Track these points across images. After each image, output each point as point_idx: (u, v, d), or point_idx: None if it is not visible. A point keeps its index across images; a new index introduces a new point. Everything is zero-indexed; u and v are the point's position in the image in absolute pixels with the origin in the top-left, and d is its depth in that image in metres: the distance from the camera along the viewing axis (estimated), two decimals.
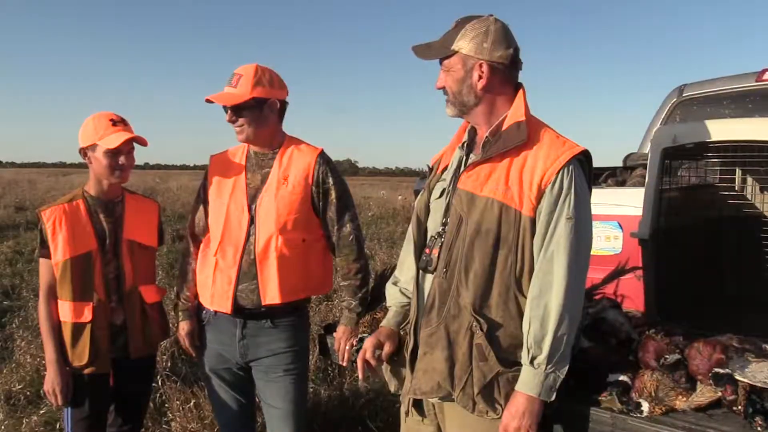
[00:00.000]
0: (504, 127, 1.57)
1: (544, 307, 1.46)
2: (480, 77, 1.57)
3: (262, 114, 2.06)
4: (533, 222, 1.49)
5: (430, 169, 1.80)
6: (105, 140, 2.09)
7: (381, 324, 1.84)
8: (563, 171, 1.49)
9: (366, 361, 1.72)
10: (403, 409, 1.75)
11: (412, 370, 1.65)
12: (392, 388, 1.79)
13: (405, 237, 1.86)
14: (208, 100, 2.04)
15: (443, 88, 1.62)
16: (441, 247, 1.59)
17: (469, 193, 1.55)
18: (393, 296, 1.84)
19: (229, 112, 2.05)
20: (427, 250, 1.63)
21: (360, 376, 1.75)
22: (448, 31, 1.60)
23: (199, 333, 2.21)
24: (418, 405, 1.70)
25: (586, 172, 1.58)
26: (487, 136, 1.59)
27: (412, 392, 1.62)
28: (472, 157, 1.64)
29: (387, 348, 1.74)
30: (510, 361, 1.50)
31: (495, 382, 1.50)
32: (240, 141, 2.12)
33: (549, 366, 1.46)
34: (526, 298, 1.51)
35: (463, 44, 1.56)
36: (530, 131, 1.53)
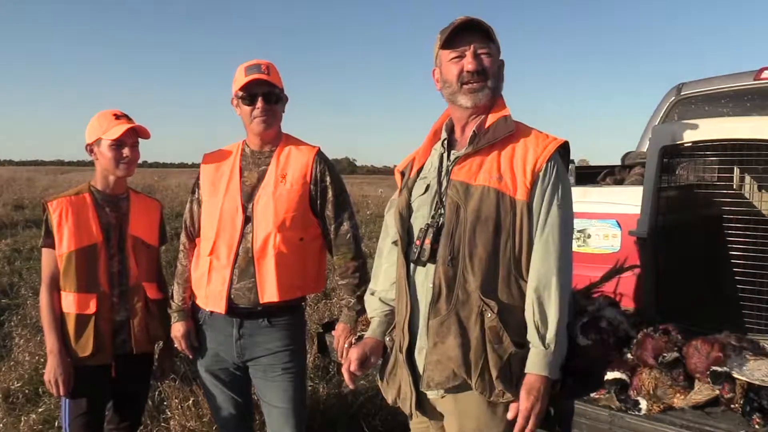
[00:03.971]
0: (489, 122, 1.65)
1: (545, 288, 1.53)
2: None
3: (282, 105, 2.12)
4: (529, 207, 1.57)
5: (402, 175, 1.81)
6: (108, 133, 2.12)
7: (366, 335, 1.84)
8: (551, 160, 1.59)
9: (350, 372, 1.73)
10: (406, 412, 1.74)
11: (411, 367, 1.66)
12: (390, 400, 1.77)
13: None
14: (252, 80, 2.02)
15: (484, 69, 1.63)
16: (437, 236, 1.61)
17: (464, 184, 1.60)
18: (373, 306, 1.86)
19: (264, 96, 2.04)
20: (417, 242, 1.64)
21: (350, 387, 1.77)
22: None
23: (196, 333, 2.20)
24: (420, 407, 1.69)
25: (566, 162, 1.70)
26: (474, 131, 1.65)
27: (425, 385, 1.62)
28: (455, 153, 1.68)
29: (373, 360, 1.77)
30: (518, 342, 1.55)
31: (509, 363, 1.53)
32: (259, 131, 2.08)
33: (555, 345, 1.53)
34: (525, 281, 1.57)
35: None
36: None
